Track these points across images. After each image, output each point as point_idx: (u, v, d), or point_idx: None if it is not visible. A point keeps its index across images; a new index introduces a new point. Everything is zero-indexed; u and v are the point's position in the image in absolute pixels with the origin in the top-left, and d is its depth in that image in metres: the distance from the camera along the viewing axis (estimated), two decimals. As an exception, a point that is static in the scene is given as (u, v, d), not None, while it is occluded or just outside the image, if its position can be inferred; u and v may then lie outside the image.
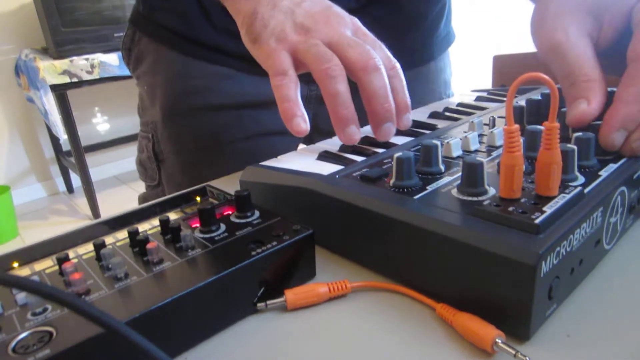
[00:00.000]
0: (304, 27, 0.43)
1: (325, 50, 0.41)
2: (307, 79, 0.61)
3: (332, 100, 0.40)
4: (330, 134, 0.45)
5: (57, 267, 0.31)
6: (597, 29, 0.41)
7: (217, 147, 0.67)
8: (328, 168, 0.39)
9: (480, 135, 0.43)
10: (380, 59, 0.42)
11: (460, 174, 0.33)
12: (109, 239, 0.34)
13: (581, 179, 0.33)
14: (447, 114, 0.54)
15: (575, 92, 0.39)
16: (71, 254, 0.32)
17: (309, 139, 0.71)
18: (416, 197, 0.32)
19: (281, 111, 0.41)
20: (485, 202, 0.29)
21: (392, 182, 0.34)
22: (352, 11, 0.48)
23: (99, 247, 0.32)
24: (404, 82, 0.44)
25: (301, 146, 0.54)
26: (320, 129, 0.71)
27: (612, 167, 0.35)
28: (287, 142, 0.63)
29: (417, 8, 0.69)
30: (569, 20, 0.41)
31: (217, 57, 0.65)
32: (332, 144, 0.46)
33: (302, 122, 0.41)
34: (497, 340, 0.25)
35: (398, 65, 0.44)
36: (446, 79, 0.82)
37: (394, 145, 0.44)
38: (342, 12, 0.46)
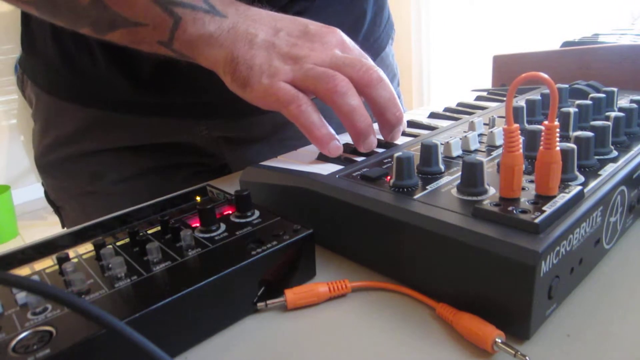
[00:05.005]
0: (291, 56, 0.41)
1: (324, 69, 0.40)
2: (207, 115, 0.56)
3: (349, 117, 0.40)
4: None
5: (57, 267, 0.31)
6: None
7: (99, 189, 0.61)
8: (328, 168, 0.39)
9: (480, 135, 0.43)
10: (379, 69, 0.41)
11: (460, 173, 0.33)
12: (108, 239, 0.34)
13: (581, 179, 0.33)
14: (447, 113, 0.54)
15: None
16: (71, 253, 0.32)
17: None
18: (416, 197, 0.32)
19: (314, 140, 0.41)
20: (485, 202, 0.29)
21: (392, 181, 0.34)
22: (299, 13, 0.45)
23: (99, 247, 0.32)
24: None
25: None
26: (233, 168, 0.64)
27: (611, 166, 0.35)
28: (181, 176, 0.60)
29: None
30: None
31: (93, 100, 0.57)
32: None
33: (338, 144, 0.41)
34: (497, 339, 0.25)
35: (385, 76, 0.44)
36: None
37: (394, 145, 0.44)
38: (321, 29, 0.43)
